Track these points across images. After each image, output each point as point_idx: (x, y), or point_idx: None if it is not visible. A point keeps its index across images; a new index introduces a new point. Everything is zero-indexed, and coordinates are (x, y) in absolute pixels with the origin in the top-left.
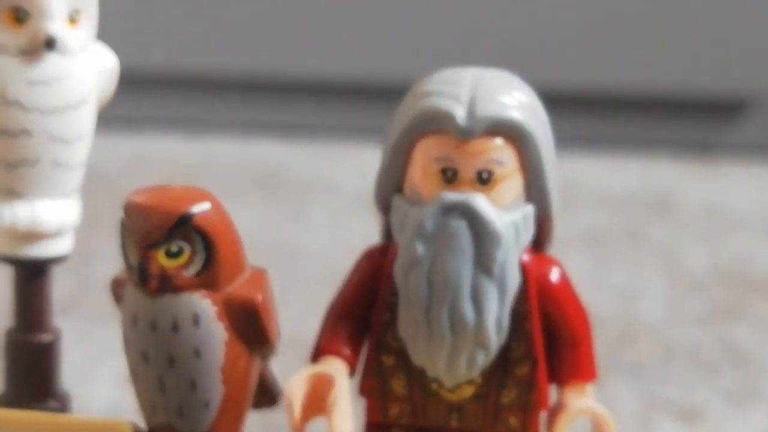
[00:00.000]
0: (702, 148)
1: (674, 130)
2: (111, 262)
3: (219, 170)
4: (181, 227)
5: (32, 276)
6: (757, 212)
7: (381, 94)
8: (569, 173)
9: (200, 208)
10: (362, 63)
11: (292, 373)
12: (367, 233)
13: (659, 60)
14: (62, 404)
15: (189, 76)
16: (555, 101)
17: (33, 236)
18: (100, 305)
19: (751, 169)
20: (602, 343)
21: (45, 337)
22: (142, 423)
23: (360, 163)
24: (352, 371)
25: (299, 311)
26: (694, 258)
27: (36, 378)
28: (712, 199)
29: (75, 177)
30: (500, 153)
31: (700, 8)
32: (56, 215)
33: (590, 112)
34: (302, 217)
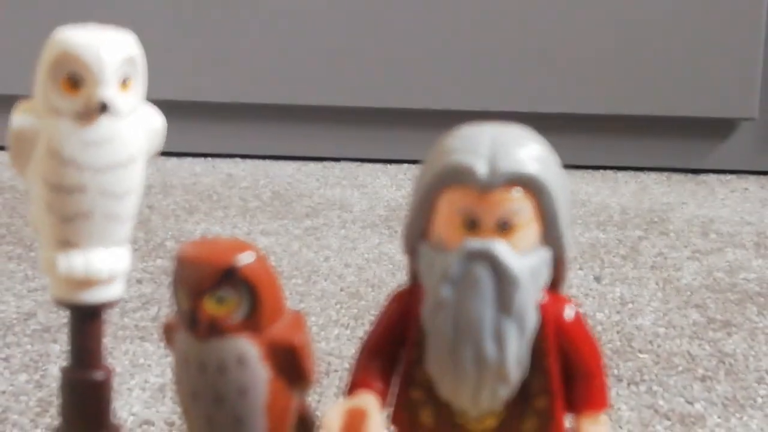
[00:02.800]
0: (695, 167)
1: (668, 149)
2: (136, 281)
3: (237, 192)
4: (228, 278)
5: (86, 319)
6: (748, 227)
7: (390, 121)
8: (569, 187)
9: (245, 259)
10: (372, 91)
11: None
12: (377, 253)
13: (654, 83)
14: None
15: (209, 105)
16: (555, 122)
17: (87, 283)
18: (128, 321)
19: (742, 186)
20: (602, 351)
21: (98, 375)
22: None
23: (370, 186)
24: (383, 404)
25: (316, 327)
26: (689, 272)
27: (90, 413)
28: (706, 215)
29: (126, 228)
30: (518, 204)
31: (694, 36)
32: (109, 263)
33: (588, 133)
34: (316, 236)
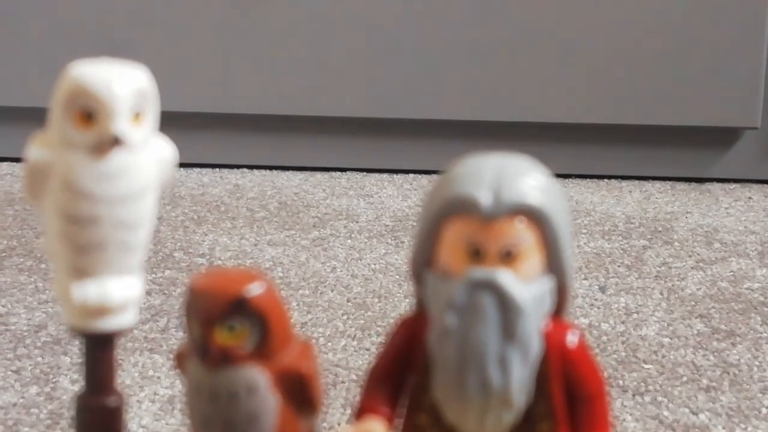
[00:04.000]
0: (699, 176)
1: (672, 158)
2: (145, 292)
3: (245, 203)
4: (239, 308)
5: (100, 346)
6: (752, 237)
7: (396, 131)
8: (573, 201)
9: (255, 290)
10: (378, 102)
11: None
12: (384, 263)
13: (658, 93)
14: None
15: (217, 116)
16: (559, 132)
17: (101, 311)
18: (137, 333)
19: (746, 194)
20: (606, 365)
21: (111, 401)
22: None
23: (376, 196)
24: (390, 428)
25: (323, 339)
26: (693, 282)
27: None
28: (710, 224)
29: (138, 256)
30: (522, 233)
31: (698, 46)
32: (122, 292)
33: (592, 142)
34: (323, 247)
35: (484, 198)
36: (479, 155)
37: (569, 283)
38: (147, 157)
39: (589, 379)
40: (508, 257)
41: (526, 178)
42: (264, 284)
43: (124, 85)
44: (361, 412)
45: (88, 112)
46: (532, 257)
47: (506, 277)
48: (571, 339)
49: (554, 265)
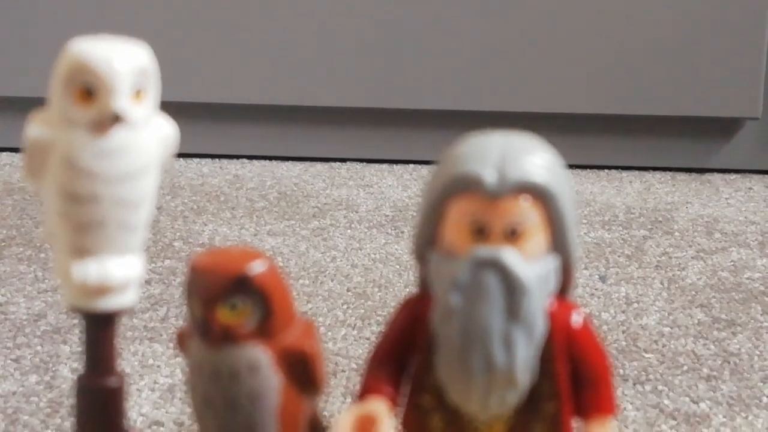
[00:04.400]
0: (699, 166)
1: (673, 149)
2: (145, 282)
3: (245, 193)
4: (241, 286)
5: (101, 326)
6: (753, 227)
7: (395, 121)
8: (575, 190)
9: (257, 268)
10: (378, 92)
11: None
12: (384, 253)
13: (658, 83)
14: None
15: (216, 106)
16: (559, 122)
17: (102, 290)
18: (137, 322)
19: (747, 185)
20: (608, 354)
21: (112, 381)
22: None
23: (376, 186)
24: (394, 409)
25: (323, 328)
26: (693, 271)
27: (104, 419)
28: (710, 214)
29: (139, 236)
30: (527, 211)
31: (698, 36)
32: (123, 271)
33: (592, 133)
34: (322, 237)
35: (489, 176)
36: (483, 134)
37: (574, 263)
38: (148, 135)
39: (594, 359)
40: (512, 236)
41: (531, 156)
42: (266, 262)
43: (125, 61)
44: (363, 393)
45: (88, 88)
46: (537, 236)
47: (511, 256)
48: (576, 319)
49: (559, 243)
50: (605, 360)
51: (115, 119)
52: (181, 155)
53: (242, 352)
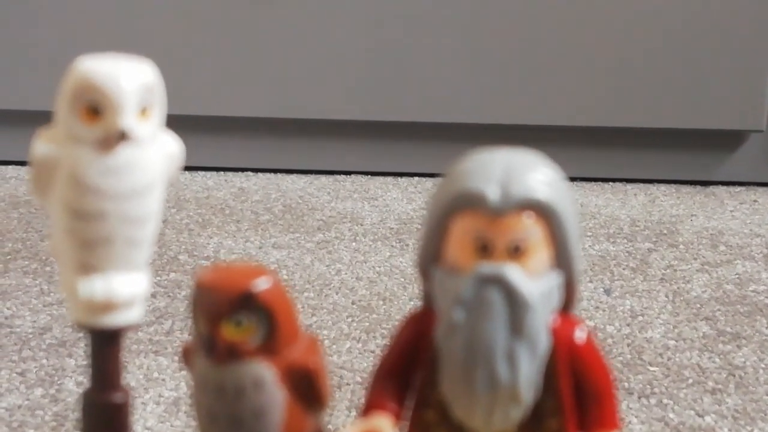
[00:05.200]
0: (704, 179)
1: (677, 161)
2: (150, 295)
3: (249, 206)
4: (246, 303)
5: (106, 342)
6: (758, 239)
7: (400, 134)
8: (578, 204)
9: (262, 285)
10: (382, 106)
11: None
12: (388, 266)
13: (663, 96)
14: None
15: (221, 120)
16: (564, 135)
17: (108, 307)
18: (142, 336)
19: (751, 197)
20: (612, 368)
21: (118, 397)
22: None
23: (381, 199)
24: (398, 424)
25: (328, 341)
26: (698, 284)
27: None
28: (715, 227)
29: (145, 252)
30: (530, 228)
31: (703, 49)
32: (129, 287)
33: (597, 146)
34: (327, 250)
35: (492, 192)
36: (487, 150)
37: (577, 279)
38: (154, 152)
39: (597, 375)
40: (516, 252)
41: (534, 173)
42: (271, 279)
43: (131, 79)
44: (367, 408)
45: (94, 106)
46: (540, 252)
47: (514, 272)
48: (580, 335)
49: (562, 260)
50: (609, 375)
51: (122, 137)
52: (186, 168)
53: (247, 368)
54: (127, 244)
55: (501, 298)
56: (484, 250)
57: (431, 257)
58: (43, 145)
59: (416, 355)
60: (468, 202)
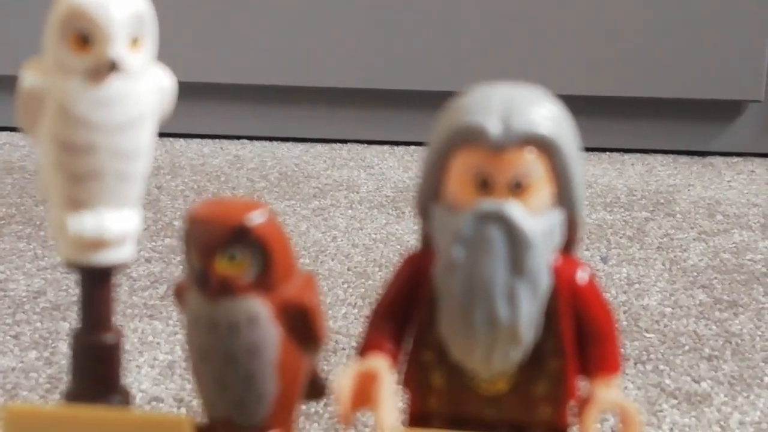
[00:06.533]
0: (701, 149)
1: (675, 131)
2: (145, 260)
3: (245, 173)
4: (240, 236)
5: (97, 281)
6: (755, 209)
7: (396, 103)
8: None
9: (256, 218)
10: (379, 73)
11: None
12: (384, 233)
13: (661, 66)
14: (125, 399)
15: (217, 87)
16: (561, 105)
17: (98, 244)
18: (137, 300)
19: (749, 168)
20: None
21: (109, 337)
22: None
23: (377, 167)
24: (395, 366)
25: (324, 307)
26: (695, 253)
27: (101, 375)
28: (712, 197)
29: (137, 188)
30: (532, 163)
31: (701, 18)
32: (120, 224)
33: (594, 115)
34: (323, 217)
35: (493, 127)
36: (488, 84)
37: (580, 217)
38: (145, 84)
39: (599, 316)
40: (517, 189)
41: (537, 107)
42: (265, 213)
43: (121, 7)
44: (365, 349)
45: (84, 35)
46: (542, 189)
47: (515, 209)
48: (582, 275)
49: (564, 197)
50: (610, 317)
51: (112, 67)
52: (181, 135)
53: (241, 304)
54: (118, 179)
55: (501, 236)
56: (485, 186)
57: (430, 195)
58: (30, 75)
59: (414, 295)
60: (468, 137)
